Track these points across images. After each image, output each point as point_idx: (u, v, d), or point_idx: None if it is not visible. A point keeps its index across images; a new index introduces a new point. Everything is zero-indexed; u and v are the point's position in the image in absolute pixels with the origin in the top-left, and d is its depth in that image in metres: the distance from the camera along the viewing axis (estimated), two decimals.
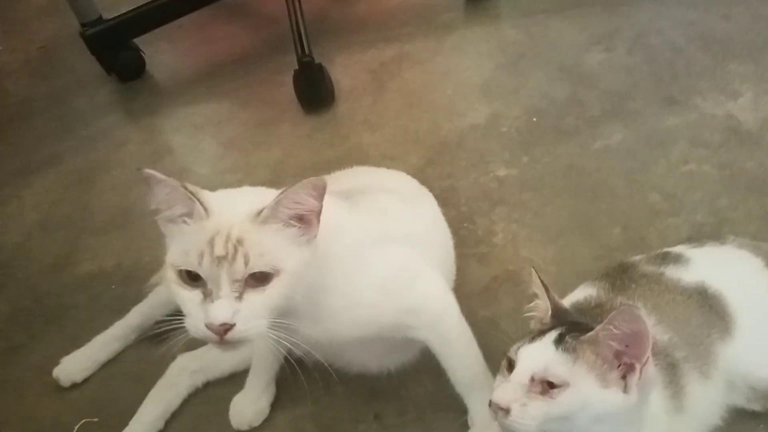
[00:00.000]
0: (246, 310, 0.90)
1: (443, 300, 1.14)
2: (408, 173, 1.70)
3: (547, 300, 0.99)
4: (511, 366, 0.91)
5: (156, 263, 1.62)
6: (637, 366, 0.87)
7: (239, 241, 0.90)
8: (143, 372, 1.39)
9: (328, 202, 0.96)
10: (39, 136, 2.29)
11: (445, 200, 1.46)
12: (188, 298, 0.93)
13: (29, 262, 1.81)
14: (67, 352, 1.48)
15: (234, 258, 0.89)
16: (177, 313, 0.95)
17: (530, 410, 0.86)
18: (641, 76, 1.86)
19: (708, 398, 1.05)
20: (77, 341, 1.50)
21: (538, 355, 0.89)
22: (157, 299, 1.48)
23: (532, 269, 1.02)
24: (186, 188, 0.93)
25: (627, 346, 0.88)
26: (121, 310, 1.53)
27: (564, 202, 1.58)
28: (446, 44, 2.18)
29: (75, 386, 1.44)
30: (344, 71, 2.14)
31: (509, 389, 0.88)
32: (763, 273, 1.16)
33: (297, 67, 1.98)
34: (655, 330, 1.04)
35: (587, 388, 0.87)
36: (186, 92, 2.31)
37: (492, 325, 1.26)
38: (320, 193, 0.93)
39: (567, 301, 1.15)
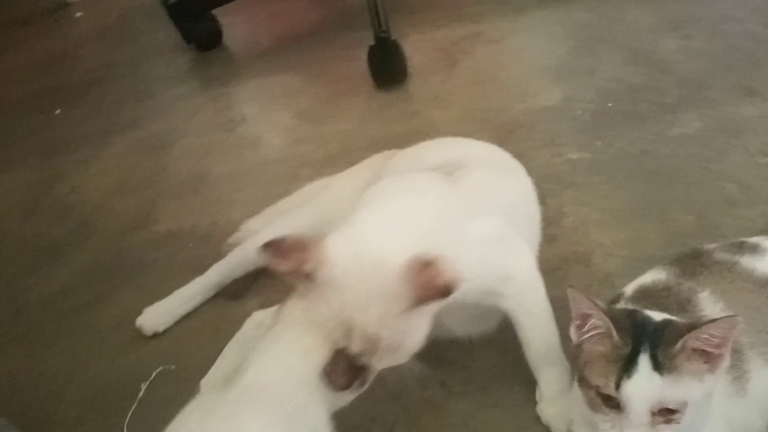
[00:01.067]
0: None
1: (533, 272, 1.16)
2: None
3: (601, 316, 0.91)
4: (609, 400, 0.88)
5: (231, 225, 1.70)
6: (725, 355, 0.88)
7: None
8: (220, 326, 1.45)
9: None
10: (118, 101, 2.40)
11: None
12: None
13: (110, 219, 1.90)
14: (146, 305, 1.56)
15: None
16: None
17: None
18: (719, 64, 1.84)
19: None
20: (155, 295, 1.58)
21: (646, 388, 0.86)
22: (235, 260, 1.55)
23: (571, 290, 0.93)
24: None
25: (717, 347, 0.88)
26: (197, 268, 1.60)
27: (636, 187, 1.58)
28: (519, 25, 2.18)
29: (154, 336, 1.52)
30: (417, 48, 2.17)
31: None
32: None
33: (372, 43, 2.02)
34: (722, 315, 1.04)
35: (695, 393, 0.87)
36: (260, 64, 2.38)
37: (561, 304, 1.28)
38: None
39: (635, 285, 1.17)
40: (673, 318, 0.92)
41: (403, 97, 2.02)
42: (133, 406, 1.38)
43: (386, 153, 1.51)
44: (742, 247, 1.19)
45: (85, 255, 1.80)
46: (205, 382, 1.35)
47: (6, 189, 2.13)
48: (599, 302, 0.93)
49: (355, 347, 0.92)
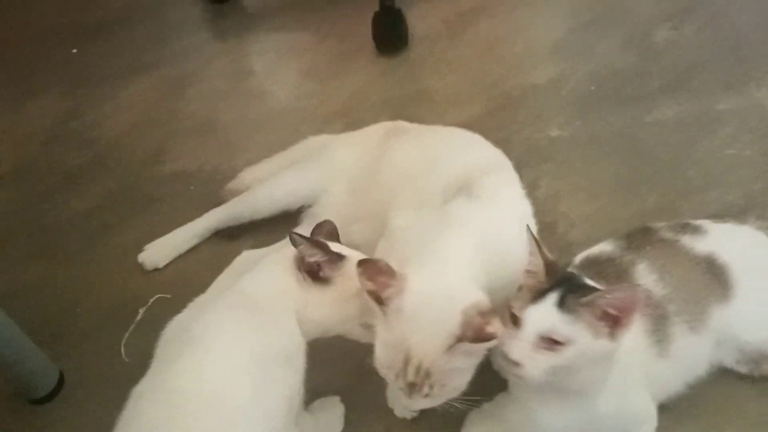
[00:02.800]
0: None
1: None
2: (467, 120, 1.87)
3: (539, 257, 1.04)
4: (515, 320, 1.02)
5: (232, 171, 1.83)
6: (626, 323, 1.00)
7: None
8: (215, 262, 1.60)
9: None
10: (136, 44, 2.51)
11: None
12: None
13: (122, 155, 2.04)
14: (151, 237, 1.71)
15: None
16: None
17: (538, 363, 1.00)
18: (704, 57, 1.93)
19: (694, 350, 1.19)
20: (160, 229, 1.73)
21: (543, 317, 0.99)
22: (233, 209, 1.68)
23: (526, 226, 1.07)
24: None
25: (620, 311, 0.99)
26: (199, 207, 1.75)
27: (608, 165, 1.70)
28: (524, 2, 2.27)
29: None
30: (421, 18, 2.26)
31: (520, 347, 1.00)
32: None
33: (378, 9, 2.11)
34: (655, 285, 1.19)
35: (584, 342, 0.99)
36: (271, 19, 2.48)
37: None
38: None
39: (583, 254, 1.30)
40: (600, 287, 1.04)
41: (405, 64, 2.13)
42: (131, 328, 1.55)
43: (388, 125, 1.62)
44: (686, 228, 1.32)
45: (100, 186, 1.94)
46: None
47: (29, 118, 2.27)
48: (545, 251, 1.06)
49: (410, 377, 1.04)
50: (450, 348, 1.01)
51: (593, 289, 1.02)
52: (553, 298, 1.00)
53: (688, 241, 1.28)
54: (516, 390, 1.16)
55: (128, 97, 2.26)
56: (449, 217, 1.19)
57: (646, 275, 1.20)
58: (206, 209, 1.73)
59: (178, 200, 1.84)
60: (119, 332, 1.53)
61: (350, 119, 1.96)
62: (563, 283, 1.02)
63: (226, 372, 1.00)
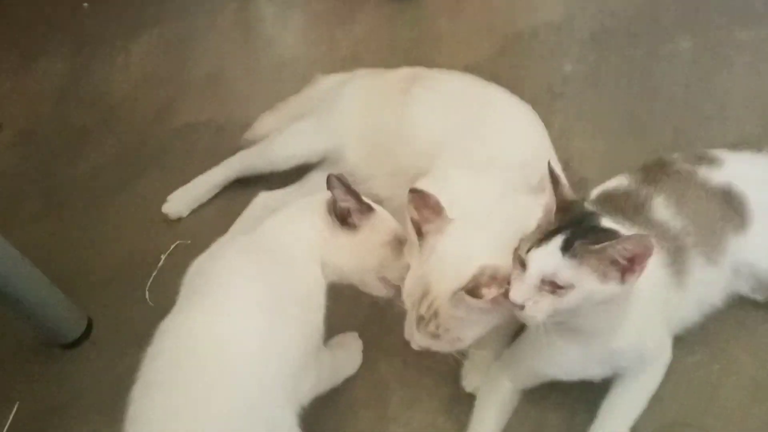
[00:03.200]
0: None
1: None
2: (479, 61, 1.85)
3: (553, 195, 1.01)
4: (522, 264, 1.01)
5: (245, 119, 1.83)
6: (637, 270, 0.97)
7: None
8: (232, 208, 1.63)
9: None
10: None
11: (511, 88, 1.53)
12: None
13: (135, 109, 2.05)
14: (167, 189, 1.73)
15: None
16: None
17: (541, 306, 0.99)
18: None
19: (711, 281, 1.20)
20: (176, 181, 1.74)
21: (546, 260, 0.97)
22: (251, 160, 1.68)
23: (548, 162, 1.04)
24: None
25: (630, 261, 0.97)
26: (214, 157, 1.76)
27: (622, 100, 1.68)
28: None
29: None
30: None
31: (523, 289, 0.99)
32: None
33: None
34: (673, 218, 1.18)
35: (589, 286, 0.97)
36: None
37: None
38: None
39: (600, 188, 1.30)
40: (616, 229, 1.01)
41: (413, 6, 2.10)
42: (154, 273, 1.58)
43: (406, 72, 1.57)
44: (703, 159, 1.31)
45: (113, 141, 1.96)
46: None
47: (40, 76, 2.28)
48: (566, 187, 1.03)
49: (422, 310, 1.08)
50: (454, 294, 1.04)
51: (603, 232, 0.99)
52: (558, 241, 0.97)
53: (704, 171, 1.27)
54: (533, 331, 1.14)
55: (137, 53, 2.25)
56: (514, 208, 1.17)
57: (663, 208, 1.20)
58: (220, 159, 1.74)
59: (192, 151, 1.86)
60: (143, 279, 1.57)
61: (360, 64, 1.93)
62: (572, 225, 0.99)
63: (244, 309, 1.03)
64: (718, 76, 1.68)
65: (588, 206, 1.08)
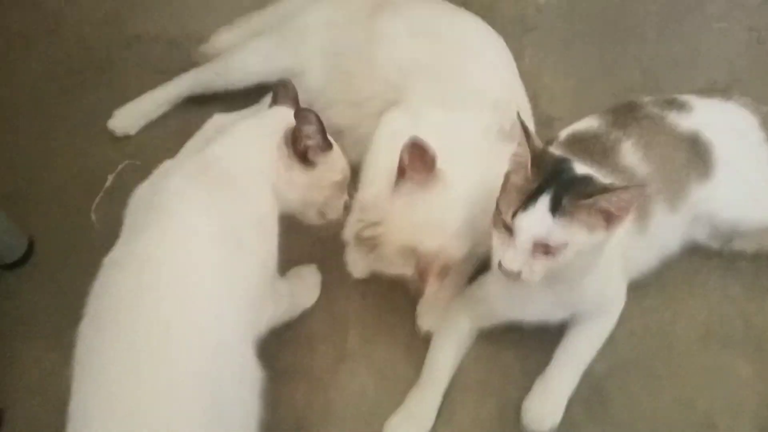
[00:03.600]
0: None
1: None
2: None
3: (527, 149, 0.98)
4: (507, 228, 0.98)
5: (200, 33, 1.72)
6: (624, 217, 0.96)
7: None
8: (185, 128, 1.52)
9: None
10: None
11: (482, 16, 1.48)
12: None
13: (80, 12, 1.89)
14: (115, 102, 1.62)
15: None
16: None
17: (536, 269, 0.98)
18: None
19: (671, 227, 1.21)
20: (124, 94, 1.63)
21: (536, 224, 0.94)
22: (206, 75, 1.58)
23: (516, 114, 1.01)
24: None
25: (619, 209, 0.95)
26: (166, 71, 1.65)
27: (595, 38, 1.65)
28: None
29: None
30: None
31: (517, 258, 0.97)
32: (754, 131, 1.28)
33: None
34: (639, 163, 1.18)
35: (580, 239, 0.96)
36: None
37: None
38: None
39: (569, 129, 1.28)
40: (593, 175, 1.00)
41: None
42: (100, 194, 1.50)
43: None
44: (672, 104, 1.30)
45: (56, 47, 1.81)
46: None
47: None
48: (535, 138, 1.00)
49: (366, 232, 1.12)
50: (403, 253, 1.07)
51: (585, 182, 0.97)
52: (545, 201, 0.94)
53: (674, 117, 1.26)
54: (498, 276, 1.13)
55: None
56: (492, 157, 1.15)
57: (631, 153, 1.19)
58: (172, 74, 1.63)
59: (143, 64, 1.73)
60: (88, 199, 1.49)
61: None
62: (552, 181, 0.96)
63: (196, 238, 0.98)
64: (690, 18, 1.65)
65: (558, 153, 1.06)
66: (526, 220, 0.95)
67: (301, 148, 1.10)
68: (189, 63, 1.64)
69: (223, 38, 1.64)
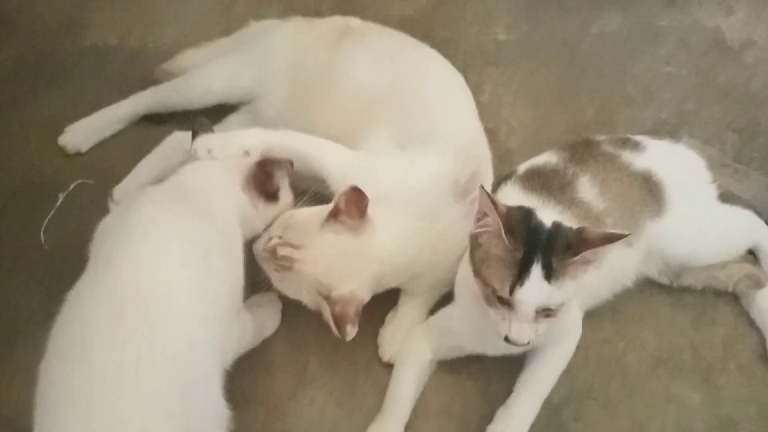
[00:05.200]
0: None
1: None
2: (413, 15, 1.80)
3: (498, 219, 0.99)
4: (503, 302, 1.00)
5: (161, 48, 1.70)
6: (599, 260, 1.01)
7: None
8: (141, 147, 1.50)
9: None
10: None
11: (444, 50, 1.50)
12: None
13: (34, 19, 1.84)
14: (69, 115, 1.58)
15: None
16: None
17: (541, 330, 1.01)
18: None
19: (625, 262, 1.26)
20: (79, 107, 1.60)
21: (536, 294, 0.97)
22: (164, 94, 1.56)
23: (481, 188, 1.00)
24: None
25: (596, 254, 1.00)
26: (123, 87, 1.62)
27: (552, 74, 1.70)
28: None
29: None
30: None
31: (525, 331, 0.99)
32: (702, 171, 1.34)
33: None
34: (596, 199, 1.22)
35: (572, 291, 1.01)
36: None
37: None
38: None
39: (528, 164, 1.31)
40: (560, 223, 1.03)
41: None
42: (51, 213, 1.45)
43: (339, 23, 1.50)
44: (626, 143, 1.35)
45: (7, 54, 1.76)
46: (118, 188, 1.42)
47: None
48: (500, 204, 1.02)
49: (281, 251, 1.14)
50: (311, 285, 1.12)
51: (563, 235, 1.00)
52: (538, 270, 0.97)
53: (627, 156, 1.31)
54: (462, 310, 1.16)
55: None
56: (430, 210, 1.20)
57: (588, 188, 1.23)
58: (130, 89, 1.60)
59: (99, 76, 1.70)
60: (38, 216, 1.44)
61: (288, 3, 1.84)
62: (534, 245, 0.98)
63: (169, 266, 0.97)
64: (642, 59, 1.72)
65: (520, 207, 1.06)
66: (525, 294, 0.98)
67: (272, 190, 1.20)
68: (147, 79, 1.61)
69: (188, 58, 1.62)
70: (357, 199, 1.12)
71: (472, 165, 1.26)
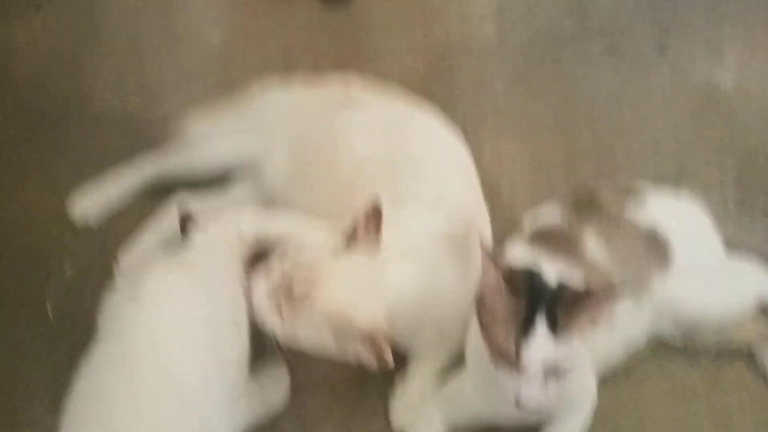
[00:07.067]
0: None
1: None
2: (411, 79, 1.81)
3: (499, 277, 0.99)
4: (510, 361, 0.98)
5: (165, 115, 1.69)
6: (607, 317, 1.01)
7: None
8: (148, 215, 1.50)
9: None
10: None
11: (443, 107, 1.53)
12: None
13: (39, 95, 1.85)
14: (75, 183, 1.57)
15: None
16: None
17: (551, 395, 0.99)
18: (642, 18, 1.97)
19: (636, 322, 1.24)
20: (85, 176, 1.59)
21: (542, 349, 0.96)
22: (171, 162, 1.57)
23: (481, 247, 1.02)
24: None
25: (603, 311, 1.00)
26: (129, 155, 1.61)
27: (551, 131, 1.73)
28: None
29: None
30: None
31: (534, 391, 0.97)
32: (707, 229, 1.34)
33: None
34: (604, 259, 1.21)
35: (581, 349, 1.00)
36: None
37: None
38: None
39: (535, 217, 1.31)
40: (566, 283, 1.02)
41: (348, 15, 2.04)
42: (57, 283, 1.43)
43: (338, 88, 1.52)
44: (629, 195, 1.34)
45: (12, 120, 1.77)
46: (123, 254, 1.43)
47: None
48: (501, 263, 1.02)
49: (297, 291, 1.10)
50: (331, 320, 1.08)
51: (566, 291, 1.00)
52: (543, 326, 0.96)
53: (632, 212, 1.31)
54: (477, 379, 1.14)
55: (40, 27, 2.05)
56: (425, 260, 1.21)
57: (596, 249, 1.22)
58: (135, 156, 1.61)
59: (104, 145, 1.70)
60: (42, 286, 1.43)
61: (288, 65, 1.87)
62: (538, 301, 0.98)
63: (182, 338, 1.00)
64: (637, 115, 1.74)
65: (524, 266, 1.06)
66: (532, 351, 0.96)
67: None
68: (151, 145, 1.61)
69: (192, 124, 1.62)
70: (376, 218, 1.13)
71: (466, 222, 1.27)
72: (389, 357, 1.05)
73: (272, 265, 1.13)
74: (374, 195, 1.14)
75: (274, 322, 1.11)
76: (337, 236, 1.14)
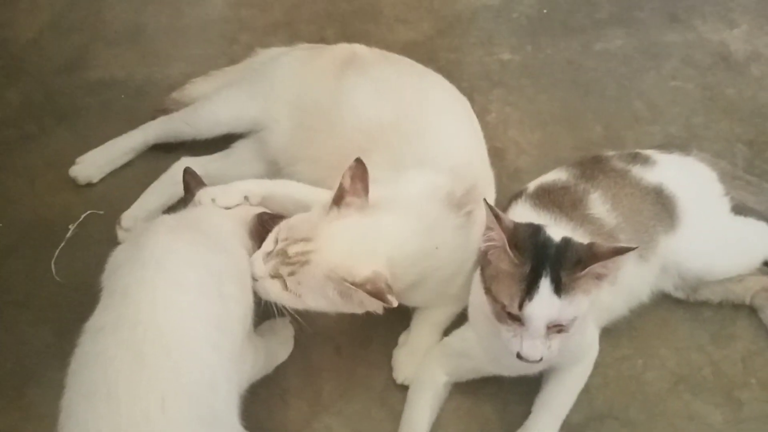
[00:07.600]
0: None
1: None
2: (417, 40, 1.81)
3: (502, 233, 0.99)
4: (513, 318, 0.99)
5: (167, 80, 1.71)
6: (613, 275, 1.01)
7: None
8: (151, 176, 1.51)
9: None
10: None
11: (449, 73, 1.53)
12: None
13: (41, 58, 1.86)
14: (78, 150, 1.59)
15: None
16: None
17: (553, 347, 1.00)
18: None
19: (640, 277, 1.24)
20: (87, 141, 1.60)
21: (546, 309, 0.97)
22: (173, 124, 1.57)
23: (484, 201, 1.02)
24: None
25: (609, 269, 0.99)
26: (131, 120, 1.63)
27: (557, 93, 1.70)
28: None
29: None
30: None
31: (536, 346, 0.98)
32: (714, 184, 1.33)
33: None
34: (608, 215, 1.21)
35: (584, 306, 1.00)
36: None
37: None
38: None
39: (537, 182, 1.31)
40: (569, 237, 1.02)
41: None
42: (61, 245, 1.45)
43: (344, 51, 1.51)
44: (636, 158, 1.34)
45: (16, 92, 1.77)
46: (126, 215, 1.44)
47: None
48: (505, 219, 1.02)
49: (292, 249, 1.09)
50: (329, 278, 1.07)
51: (572, 249, 0.99)
52: (547, 284, 0.96)
53: (638, 171, 1.31)
54: (478, 332, 1.15)
55: None
56: (424, 215, 1.19)
57: (599, 204, 1.23)
58: (138, 121, 1.61)
59: (106, 111, 1.71)
60: (49, 250, 1.44)
61: (293, 31, 1.86)
62: (543, 259, 0.98)
63: (187, 294, 0.98)
64: (648, 75, 1.73)
65: (529, 223, 1.07)
66: (536, 308, 0.97)
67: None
68: (154, 110, 1.62)
69: (197, 87, 1.64)
70: (361, 174, 1.12)
71: (468, 181, 1.26)
72: (392, 298, 1.05)
73: (268, 242, 1.14)
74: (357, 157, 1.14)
75: (280, 296, 1.11)
76: (327, 200, 1.14)
